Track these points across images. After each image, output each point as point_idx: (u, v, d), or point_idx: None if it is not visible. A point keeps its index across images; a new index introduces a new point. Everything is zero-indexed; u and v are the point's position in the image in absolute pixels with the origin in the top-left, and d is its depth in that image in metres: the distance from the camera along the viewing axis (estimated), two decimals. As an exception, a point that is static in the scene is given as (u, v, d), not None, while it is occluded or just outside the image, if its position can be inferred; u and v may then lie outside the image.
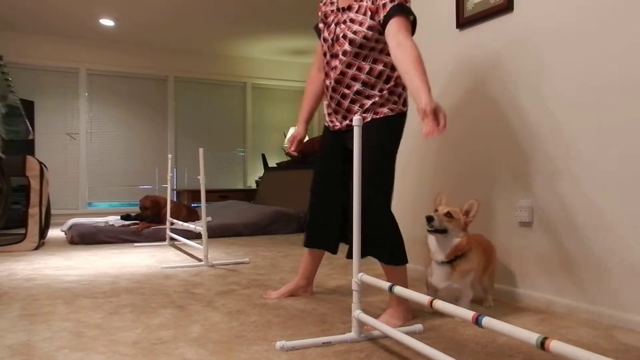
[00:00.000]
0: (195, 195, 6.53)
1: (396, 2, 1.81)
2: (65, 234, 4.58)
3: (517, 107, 2.22)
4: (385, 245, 1.87)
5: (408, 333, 1.51)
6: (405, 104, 1.96)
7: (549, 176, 2.08)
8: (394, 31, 1.77)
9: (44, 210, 3.99)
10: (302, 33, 6.74)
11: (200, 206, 3.65)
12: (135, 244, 4.20)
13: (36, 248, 3.88)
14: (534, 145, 2.14)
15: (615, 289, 1.83)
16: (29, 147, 6.20)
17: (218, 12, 5.78)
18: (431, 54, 2.73)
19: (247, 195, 7.07)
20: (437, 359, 1.20)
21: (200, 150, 3.15)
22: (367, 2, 1.88)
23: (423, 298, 1.30)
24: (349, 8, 1.94)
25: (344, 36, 1.93)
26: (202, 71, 7.43)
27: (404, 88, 1.93)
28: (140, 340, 1.61)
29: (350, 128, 1.95)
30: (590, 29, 1.93)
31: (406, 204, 2.90)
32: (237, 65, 7.67)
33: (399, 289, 1.43)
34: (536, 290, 2.12)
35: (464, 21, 2.49)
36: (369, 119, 1.90)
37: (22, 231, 3.88)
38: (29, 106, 6.24)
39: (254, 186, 7.64)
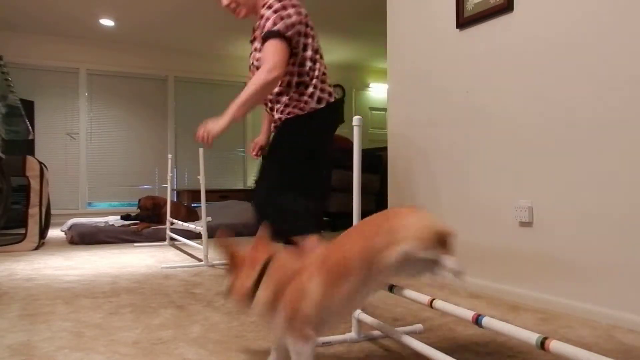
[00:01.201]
0: (195, 195, 6.53)
1: (264, 31, 2.01)
2: (65, 234, 4.58)
3: (518, 107, 2.22)
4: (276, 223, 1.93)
5: (408, 333, 1.51)
6: (320, 101, 2.08)
7: (549, 176, 2.08)
8: (261, 60, 2.03)
9: (44, 210, 3.99)
10: (302, 33, 6.73)
11: (200, 206, 3.65)
12: (135, 244, 4.20)
13: (36, 248, 3.88)
14: (535, 145, 2.14)
15: (615, 289, 1.83)
16: (29, 147, 6.20)
17: (218, 12, 5.77)
18: (431, 54, 2.73)
19: (247, 195, 7.06)
20: (437, 359, 1.20)
21: (200, 150, 3.15)
22: (259, 31, 2.11)
23: (422, 298, 1.30)
24: (254, 39, 2.19)
25: (252, 64, 2.19)
26: (202, 71, 7.43)
27: (316, 87, 2.08)
28: (140, 340, 1.61)
29: (275, 130, 2.22)
30: (591, 28, 1.93)
31: (417, 203, 2.90)
32: (237, 65, 7.66)
33: (399, 289, 1.43)
34: (536, 290, 2.12)
35: (464, 21, 2.49)
36: (283, 119, 2.11)
37: (22, 231, 3.88)
38: (29, 106, 6.23)
39: (254, 186, 7.63)
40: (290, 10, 2.03)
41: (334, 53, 7.79)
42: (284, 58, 1.99)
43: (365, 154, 5.08)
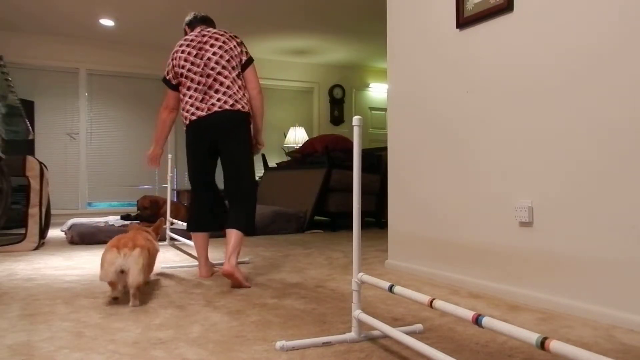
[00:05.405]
0: (195, 195, 6.52)
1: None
2: (65, 234, 4.58)
3: (517, 107, 2.22)
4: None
5: (408, 333, 1.52)
6: (185, 119, 2.70)
7: (549, 176, 2.08)
8: None
9: (44, 210, 3.99)
10: (302, 33, 6.74)
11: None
12: (135, 244, 4.19)
13: (36, 248, 3.88)
14: (534, 144, 2.14)
15: (615, 289, 1.83)
16: (29, 147, 6.20)
17: (218, 12, 5.78)
18: (431, 54, 2.73)
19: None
20: (437, 359, 1.20)
21: (200, 150, 3.14)
22: None
23: (422, 298, 1.30)
24: None
25: None
26: (202, 71, 7.41)
27: (183, 109, 2.70)
28: (140, 340, 1.61)
29: None
30: (591, 28, 1.93)
31: (417, 203, 2.91)
32: (237, 65, 7.66)
33: (399, 289, 1.43)
34: (536, 290, 2.12)
35: (464, 21, 2.49)
36: None
37: (22, 231, 3.88)
38: (29, 106, 6.24)
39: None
40: (170, 59, 2.74)
41: (334, 53, 7.79)
42: (167, 97, 2.78)
43: (365, 154, 5.08)
